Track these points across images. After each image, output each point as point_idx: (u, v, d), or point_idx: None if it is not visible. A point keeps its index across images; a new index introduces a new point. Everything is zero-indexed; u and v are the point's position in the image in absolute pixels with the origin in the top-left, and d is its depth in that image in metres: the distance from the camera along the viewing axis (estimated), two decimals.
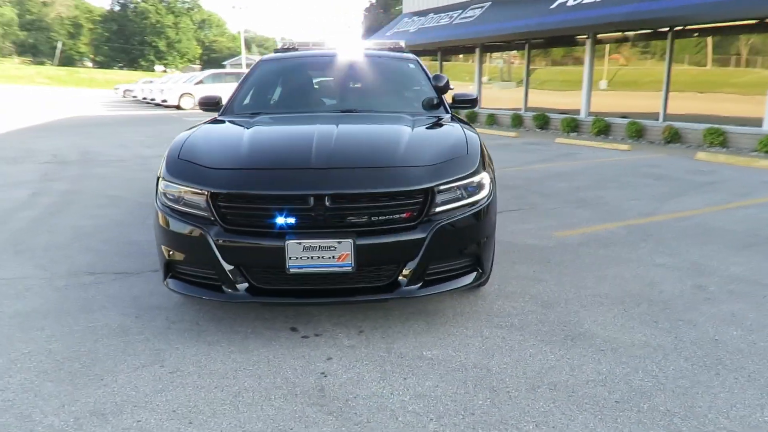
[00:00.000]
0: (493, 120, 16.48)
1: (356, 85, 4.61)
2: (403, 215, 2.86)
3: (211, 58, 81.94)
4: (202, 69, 56.15)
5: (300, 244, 2.74)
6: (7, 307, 3.45)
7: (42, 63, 74.84)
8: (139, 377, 2.64)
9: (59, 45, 75.02)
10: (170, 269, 3.07)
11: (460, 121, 3.93)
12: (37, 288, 3.76)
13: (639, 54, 12.77)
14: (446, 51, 18.43)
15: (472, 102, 4.49)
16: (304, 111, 4.18)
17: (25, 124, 17.33)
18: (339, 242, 2.75)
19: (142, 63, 77.87)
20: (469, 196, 3.03)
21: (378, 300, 2.98)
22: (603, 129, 12.95)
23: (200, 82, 23.08)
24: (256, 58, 73.07)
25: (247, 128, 3.47)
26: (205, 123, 3.79)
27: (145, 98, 26.01)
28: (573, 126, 13.80)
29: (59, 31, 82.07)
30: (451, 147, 3.19)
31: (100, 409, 2.39)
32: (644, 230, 5.04)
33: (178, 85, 23.64)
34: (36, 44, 79.97)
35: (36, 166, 9.08)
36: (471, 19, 15.93)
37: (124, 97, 29.05)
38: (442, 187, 2.91)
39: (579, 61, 13.92)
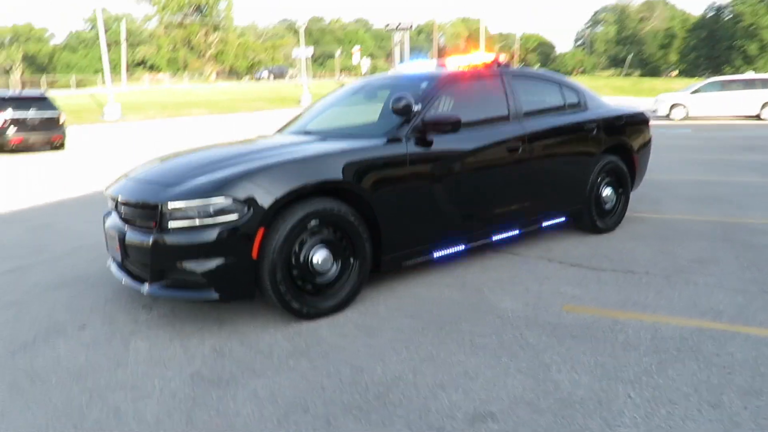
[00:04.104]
0: None
1: (353, 107, 4.64)
2: (152, 224, 3.38)
3: None
4: None
5: (108, 232, 3.70)
6: None
7: (629, 75, 79.77)
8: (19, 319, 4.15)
9: (629, 57, 78.45)
10: None
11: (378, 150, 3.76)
12: None
13: None
14: None
15: (453, 125, 3.90)
16: (291, 132, 4.65)
17: None
18: (115, 235, 3.56)
19: (727, 69, 72.88)
20: (205, 218, 3.21)
21: (134, 288, 3.55)
22: None
23: (697, 91, 21.07)
24: None
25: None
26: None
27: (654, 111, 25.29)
28: None
29: (651, 44, 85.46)
30: (225, 172, 3.36)
31: None
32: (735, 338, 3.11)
33: (671, 94, 22.18)
34: (624, 58, 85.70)
35: None
36: None
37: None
38: (171, 206, 3.24)
39: None
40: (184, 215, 3.23)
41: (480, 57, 4.75)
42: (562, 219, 5.09)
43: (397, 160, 3.79)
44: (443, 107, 4.26)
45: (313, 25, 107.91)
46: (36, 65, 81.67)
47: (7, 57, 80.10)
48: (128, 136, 19.51)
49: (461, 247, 4.32)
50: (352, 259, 3.65)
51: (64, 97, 32.89)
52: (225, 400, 2.66)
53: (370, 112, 4.61)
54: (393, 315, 3.60)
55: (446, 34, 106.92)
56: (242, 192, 3.21)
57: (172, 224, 3.25)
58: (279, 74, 58.75)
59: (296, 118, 5.02)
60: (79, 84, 55.86)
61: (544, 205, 4.82)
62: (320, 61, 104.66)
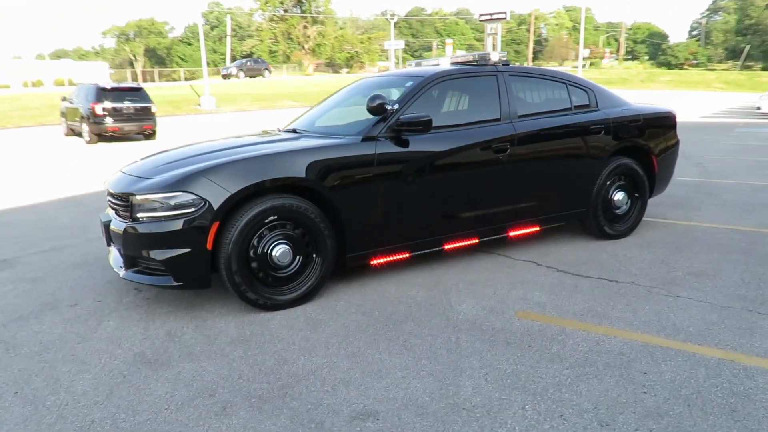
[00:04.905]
0: None
1: (351, 105, 4.72)
2: (128, 214, 3.70)
3: None
4: None
5: (101, 220, 4.09)
6: None
7: (747, 67, 73.44)
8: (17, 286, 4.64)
9: (746, 48, 71.73)
10: None
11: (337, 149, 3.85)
12: None
13: None
14: None
15: (425, 125, 3.94)
16: (286, 129, 4.83)
17: None
18: (103, 223, 3.94)
19: None
20: (166, 210, 3.48)
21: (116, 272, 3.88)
22: None
23: None
24: None
25: None
26: None
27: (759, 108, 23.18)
28: None
29: None
30: (188, 168, 3.61)
31: None
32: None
33: None
34: (744, 48, 78.78)
35: None
36: None
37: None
38: (138, 198, 3.55)
39: None
40: (150, 207, 3.51)
41: (480, 55, 4.70)
42: (563, 222, 4.95)
43: (364, 159, 3.87)
44: (426, 107, 4.26)
45: (413, 15, 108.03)
46: (156, 58, 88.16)
47: (131, 50, 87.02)
48: (217, 126, 20.67)
49: (440, 248, 4.33)
50: (314, 255, 3.79)
51: (169, 88, 35.36)
52: (150, 379, 2.90)
53: (362, 111, 4.70)
54: (348, 311, 3.71)
55: (549, 24, 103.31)
56: (199, 187, 3.44)
57: (140, 215, 3.54)
58: (254, 70, 45.40)
59: (299, 116, 5.21)
60: (193, 75, 59.60)
61: (539, 207, 4.70)
62: (419, 53, 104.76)
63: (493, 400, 2.62)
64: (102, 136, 16.02)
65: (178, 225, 3.43)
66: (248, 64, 46.42)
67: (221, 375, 2.92)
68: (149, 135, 16.80)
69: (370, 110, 3.95)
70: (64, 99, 18.58)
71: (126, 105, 16.17)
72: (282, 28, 58.57)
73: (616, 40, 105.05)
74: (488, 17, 41.12)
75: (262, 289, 3.65)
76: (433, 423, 2.45)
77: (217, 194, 3.45)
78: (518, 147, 4.45)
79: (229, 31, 46.86)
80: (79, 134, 16.87)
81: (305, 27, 57.81)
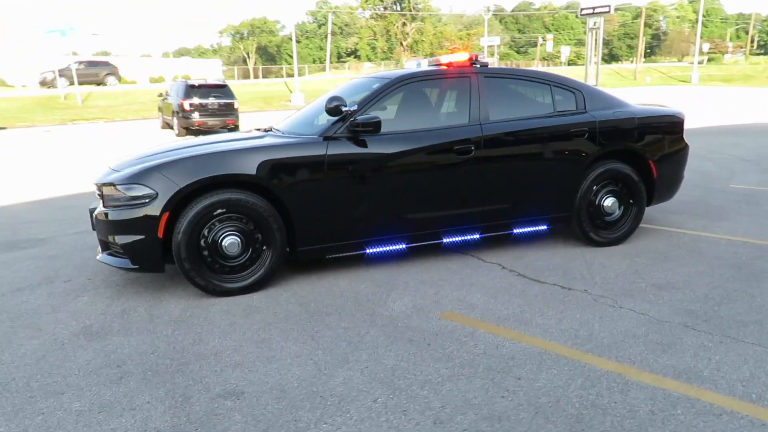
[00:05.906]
0: None
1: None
2: (102, 202, 4.16)
3: None
4: None
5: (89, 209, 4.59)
6: None
7: None
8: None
9: None
10: None
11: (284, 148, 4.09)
12: None
13: None
14: None
15: (375, 126, 4.10)
16: (265, 128, 5.11)
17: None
18: (89, 210, 4.44)
19: None
20: (126, 200, 3.90)
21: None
22: None
23: None
24: None
25: None
26: None
27: None
28: None
29: None
30: (148, 164, 3.99)
31: None
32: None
33: None
34: None
35: None
36: None
37: None
38: (105, 189, 3.99)
39: None
40: (115, 197, 3.94)
41: (460, 56, 4.72)
42: (543, 227, 4.87)
43: (314, 159, 4.07)
44: (390, 108, 4.39)
45: (520, 11, 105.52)
46: (267, 55, 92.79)
47: (244, 48, 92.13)
48: None
49: (399, 247, 4.44)
50: (264, 248, 4.06)
51: (266, 85, 37.14)
52: (80, 349, 3.29)
53: None
54: (288, 301, 3.94)
55: (669, 17, 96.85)
56: (152, 181, 3.81)
57: (108, 203, 3.98)
58: (87, 76, 32.84)
59: (288, 116, 5.50)
60: (300, 72, 62.02)
61: (510, 210, 4.66)
62: (524, 48, 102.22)
63: (353, 391, 2.74)
64: (189, 130, 17.27)
65: (134, 214, 3.82)
66: (81, 67, 32.83)
67: (139, 350, 3.26)
68: (232, 129, 17.85)
69: (327, 111, 4.15)
70: (160, 95, 20.20)
71: (211, 101, 17.34)
72: (382, 25, 59.48)
73: (747, 32, 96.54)
74: (590, 11, 39.39)
75: (212, 275, 3.96)
76: (284, 406, 2.63)
77: (167, 187, 3.79)
78: (484, 149, 4.45)
79: (329, 29, 48.39)
80: (172, 127, 18.28)
81: (404, 24, 58.30)
